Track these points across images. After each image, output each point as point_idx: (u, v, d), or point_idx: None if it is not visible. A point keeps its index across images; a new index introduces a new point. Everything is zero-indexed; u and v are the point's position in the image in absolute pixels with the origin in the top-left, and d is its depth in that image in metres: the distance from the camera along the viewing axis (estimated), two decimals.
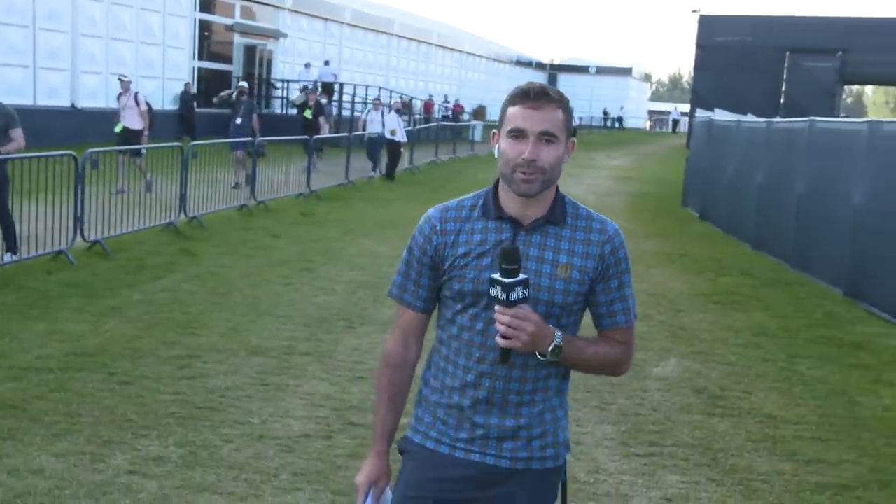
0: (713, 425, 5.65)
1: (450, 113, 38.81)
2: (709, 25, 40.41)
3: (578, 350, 2.20)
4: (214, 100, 20.58)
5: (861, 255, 9.72)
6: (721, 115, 19.34)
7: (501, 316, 2.07)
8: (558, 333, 2.15)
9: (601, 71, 72.85)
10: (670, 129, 70.59)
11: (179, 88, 26.93)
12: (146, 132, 14.79)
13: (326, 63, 33.45)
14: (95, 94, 23.82)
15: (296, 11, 35.09)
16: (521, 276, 2.06)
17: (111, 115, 16.35)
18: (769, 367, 7.07)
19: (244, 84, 18.39)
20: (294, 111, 30.96)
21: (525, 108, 2.15)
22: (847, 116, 46.29)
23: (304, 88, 23.53)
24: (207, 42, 30.87)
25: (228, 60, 31.57)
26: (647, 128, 79.01)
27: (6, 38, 21.15)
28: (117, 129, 14.91)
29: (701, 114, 21.92)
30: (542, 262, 2.20)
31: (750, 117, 18.22)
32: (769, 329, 8.37)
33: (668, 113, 78.69)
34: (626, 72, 74.81)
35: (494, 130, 2.26)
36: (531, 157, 2.13)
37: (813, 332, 8.33)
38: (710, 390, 6.38)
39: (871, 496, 4.69)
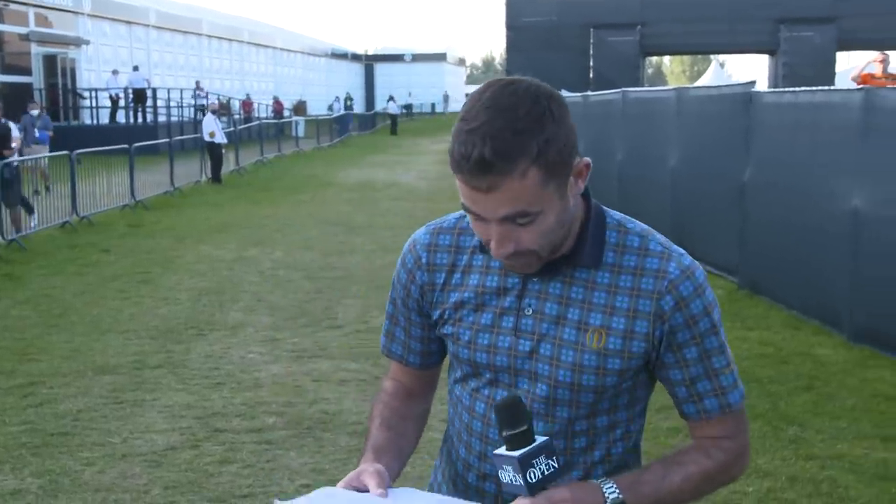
0: None
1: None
2: (516, 6, 41.55)
3: (653, 488, 1.46)
4: None
5: (680, 214, 10.37)
6: None
7: None
8: (609, 486, 1.42)
9: (416, 58, 73.63)
10: None
11: None
12: None
13: (136, 68, 32.14)
14: None
15: (96, 16, 33.53)
16: (540, 440, 1.36)
17: None
18: None
19: None
20: (106, 120, 29.70)
21: (469, 189, 1.38)
22: (650, 86, 48.85)
23: None
24: (1, 54, 29.01)
25: (28, 72, 29.80)
26: None
27: None
28: None
29: None
30: (565, 325, 1.50)
31: (563, 93, 18.97)
32: None
33: None
34: (441, 57, 75.94)
35: None
36: (502, 252, 1.42)
37: None
38: None
39: None
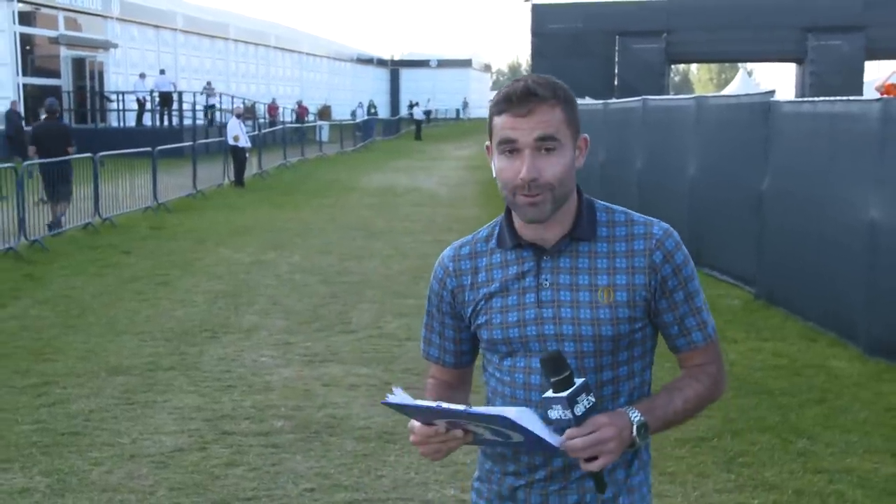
0: None
1: (216, 103, 33.35)
2: (541, 14, 41.59)
3: (664, 411, 1.80)
4: None
5: (698, 223, 10.31)
6: None
7: (573, 442, 1.67)
8: (633, 412, 1.75)
9: (442, 64, 73.72)
10: None
11: (5, 107, 25.49)
12: None
13: (162, 72, 32.45)
14: None
15: (125, 20, 33.88)
16: (579, 381, 1.69)
17: None
18: None
19: None
20: (133, 123, 29.99)
21: (513, 117, 1.76)
22: (676, 94, 48.63)
23: None
24: (31, 56, 29.39)
25: (56, 74, 30.17)
26: None
27: None
28: None
29: None
30: (578, 290, 1.82)
31: (587, 100, 18.94)
32: None
33: None
34: (466, 63, 76.00)
35: (487, 143, 1.86)
36: (529, 175, 1.74)
37: None
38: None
39: (725, 444, 5.03)
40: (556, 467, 1.84)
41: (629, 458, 1.89)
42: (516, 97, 1.75)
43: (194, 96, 31.82)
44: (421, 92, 65.30)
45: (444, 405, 1.64)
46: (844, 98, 7.77)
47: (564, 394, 1.66)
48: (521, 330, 1.82)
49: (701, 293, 1.89)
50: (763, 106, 8.69)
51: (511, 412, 1.63)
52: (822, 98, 8.15)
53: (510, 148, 1.76)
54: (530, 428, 1.66)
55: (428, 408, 1.66)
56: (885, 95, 9.97)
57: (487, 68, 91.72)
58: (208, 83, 34.21)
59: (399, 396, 1.68)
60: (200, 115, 32.31)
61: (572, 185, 1.82)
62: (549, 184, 1.75)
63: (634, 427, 1.73)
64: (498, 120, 1.77)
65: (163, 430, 5.23)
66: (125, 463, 4.73)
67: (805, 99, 9.16)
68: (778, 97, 8.85)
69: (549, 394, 1.68)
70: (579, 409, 1.66)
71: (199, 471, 4.65)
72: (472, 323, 1.92)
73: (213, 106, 32.13)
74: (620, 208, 1.89)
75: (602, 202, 1.90)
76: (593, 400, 1.68)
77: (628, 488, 1.89)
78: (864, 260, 6.79)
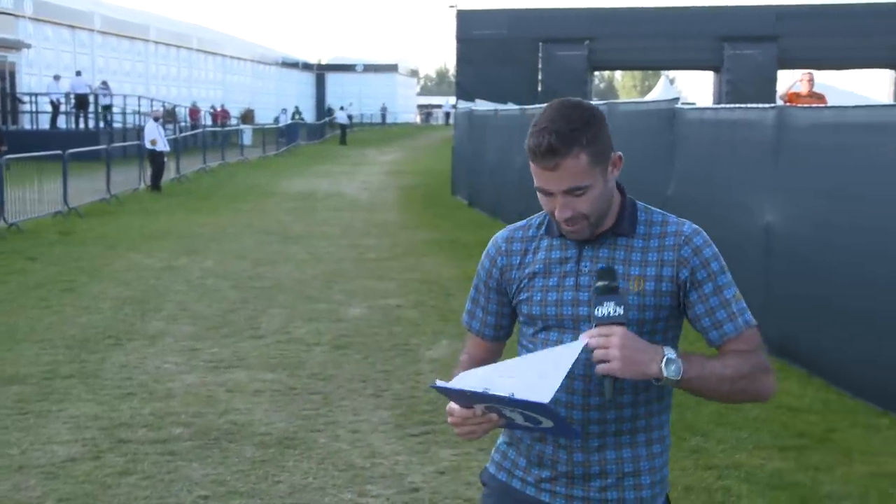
0: None
1: (111, 102, 31.71)
2: (466, 20, 41.78)
3: (700, 363, 1.90)
4: None
5: None
6: (481, 105, 20.12)
7: (589, 338, 1.85)
8: (668, 347, 1.87)
9: (368, 69, 73.57)
10: (443, 122, 72.14)
11: None
12: None
13: (78, 74, 31.64)
14: None
15: (38, 20, 32.97)
16: (618, 297, 1.88)
17: None
18: None
19: None
20: (47, 125, 29.21)
21: (541, 169, 1.92)
22: (600, 100, 49.25)
23: None
24: None
25: None
26: (418, 121, 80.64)
27: None
28: None
29: (462, 105, 22.72)
30: None
31: (510, 105, 19.11)
32: None
33: (440, 106, 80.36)
34: (393, 68, 75.98)
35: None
36: (564, 215, 1.94)
37: None
38: None
39: None
40: (591, 432, 1.99)
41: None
42: (540, 153, 1.89)
43: (111, 99, 31.11)
44: (347, 96, 65.12)
45: (491, 391, 1.76)
46: (742, 105, 8.03)
47: (597, 294, 1.87)
48: (558, 309, 2.00)
49: (733, 286, 2.00)
50: (669, 113, 8.90)
51: (547, 397, 1.74)
52: (722, 105, 8.38)
53: (544, 192, 1.95)
54: (561, 415, 1.80)
55: (474, 392, 1.77)
56: (788, 104, 10.30)
57: (414, 73, 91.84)
58: (104, 82, 32.95)
59: (448, 381, 1.86)
60: (119, 118, 31.61)
61: (608, 203, 1.98)
62: (583, 215, 1.94)
63: (665, 358, 1.84)
64: (532, 163, 1.92)
65: (56, 439, 5.10)
66: (12, 475, 4.61)
67: (707, 106, 9.42)
68: (684, 104, 9.07)
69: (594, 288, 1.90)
70: (600, 312, 1.84)
71: (91, 480, 4.55)
72: (514, 298, 2.09)
73: (108, 106, 31.15)
74: (659, 210, 2.07)
75: (643, 203, 2.07)
76: (620, 312, 1.83)
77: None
78: (760, 264, 7.01)
